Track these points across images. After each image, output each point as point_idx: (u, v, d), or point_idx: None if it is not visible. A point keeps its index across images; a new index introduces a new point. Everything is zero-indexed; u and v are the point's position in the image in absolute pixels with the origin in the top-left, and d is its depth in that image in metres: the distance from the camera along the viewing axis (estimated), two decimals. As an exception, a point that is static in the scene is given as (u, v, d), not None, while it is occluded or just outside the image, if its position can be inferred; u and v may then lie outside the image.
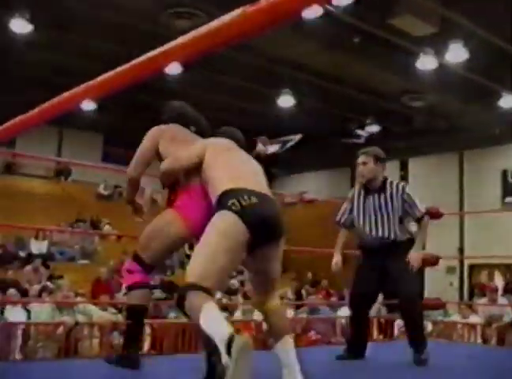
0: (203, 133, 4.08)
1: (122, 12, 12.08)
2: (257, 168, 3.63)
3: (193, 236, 3.57)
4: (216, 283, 2.99)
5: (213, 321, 2.69)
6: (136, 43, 12.98)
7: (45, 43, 13.32)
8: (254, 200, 3.09)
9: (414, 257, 4.72)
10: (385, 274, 4.70)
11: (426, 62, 13.32)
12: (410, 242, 4.84)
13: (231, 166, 3.41)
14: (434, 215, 6.41)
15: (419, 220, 4.86)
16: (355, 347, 4.98)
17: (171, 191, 3.78)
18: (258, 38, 12.48)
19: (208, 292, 2.86)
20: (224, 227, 3.03)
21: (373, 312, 11.88)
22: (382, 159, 4.84)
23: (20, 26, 12.26)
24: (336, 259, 4.94)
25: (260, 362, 3.21)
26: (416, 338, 4.73)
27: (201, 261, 3.00)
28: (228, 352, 2.52)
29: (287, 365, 3.17)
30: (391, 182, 4.84)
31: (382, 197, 4.76)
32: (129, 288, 3.67)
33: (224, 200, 3.11)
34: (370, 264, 4.84)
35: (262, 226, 3.07)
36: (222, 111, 18.34)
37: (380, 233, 4.75)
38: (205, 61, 14.22)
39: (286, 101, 16.55)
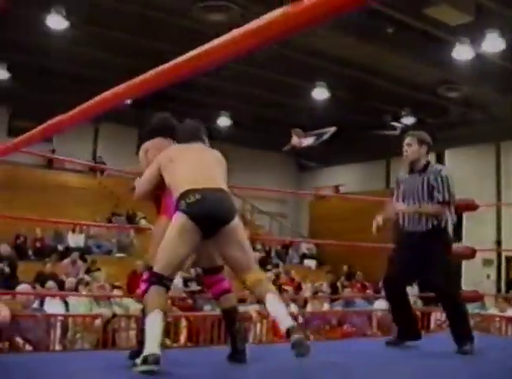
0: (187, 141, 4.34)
1: (154, 7, 12.14)
2: (206, 161, 4.15)
3: None
4: (175, 269, 3.76)
5: (152, 332, 3.49)
6: (168, 37, 13.09)
7: (81, 38, 13.45)
8: (197, 196, 3.72)
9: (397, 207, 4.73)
10: (421, 260, 4.67)
11: (462, 52, 13.15)
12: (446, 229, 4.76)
13: (184, 170, 3.92)
14: (470, 207, 6.39)
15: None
16: (403, 330, 5.01)
17: (156, 201, 4.28)
18: (292, 31, 12.46)
19: (167, 279, 3.66)
20: (176, 225, 3.70)
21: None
22: (426, 142, 4.89)
23: (56, 22, 12.42)
24: (378, 218, 4.89)
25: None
26: (458, 331, 4.71)
27: (164, 255, 3.67)
28: (142, 363, 3.38)
29: (274, 315, 3.63)
30: (433, 165, 4.92)
31: (422, 178, 4.80)
32: (144, 293, 3.92)
33: (177, 203, 3.76)
34: (406, 247, 4.82)
35: (206, 218, 3.70)
36: (257, 105, 18.41)
37: (416, 219, 4.73)
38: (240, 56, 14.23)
39: (320, 93, 16.51)
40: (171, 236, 3.69)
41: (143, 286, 3.98)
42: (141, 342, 3.99)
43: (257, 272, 3.85)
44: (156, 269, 3.66)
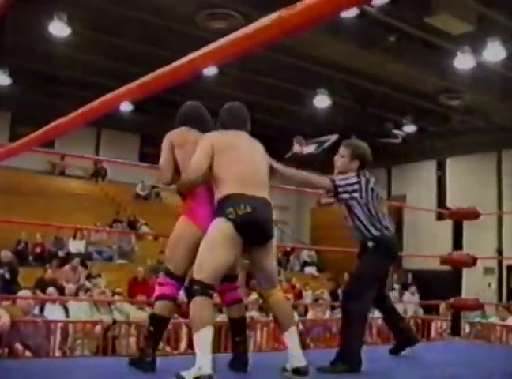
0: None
1: (158, 13, 12.18)
2: (258, 162, 3.94)
3: None
4: (217, 279, 3.54)
5: (204, 350, 3.32)
6: (172, 44, 13.11)
7: (83, 45, 13.49)
8: (248, 209, 3.54)
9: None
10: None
11: (463, 61, 13.16)
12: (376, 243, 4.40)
13: (233, 166, 3.70)
14: (472, 215, 6.38)
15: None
16: (399, 337, 4.94)
17: (182, 198, 4.07)
18: (295, 38, 12.50)
19: (212, 289, 3.49)
20: (221, 234, 3.53)
21: (410, 312, 11.84)
22: (359, 157, 4.47)
23: (58, 29, 12.45)
24: None
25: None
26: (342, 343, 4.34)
27: (211, 264, 3.51)
28: None
29: (292, 350, 3.59)
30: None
31: None
32: (156, 298, 3.90)
33: (224, 205, 3.58)
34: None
35: (254, 232, 3.60)
36: (258, 111, 18.41)
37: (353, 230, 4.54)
38: (242, 62, 14.28)
39: (322, 101, 16.52)
40: (215, 244, 3.53)
41: (159, 289, 3.89)
42: (142, 349, 3.98)
43: (280, 291, 3.85)
44: (200, 278, 3.46)
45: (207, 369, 3.24)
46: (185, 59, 1.59)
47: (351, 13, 11.26)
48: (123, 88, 1.86)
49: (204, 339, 3.36)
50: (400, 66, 13.93)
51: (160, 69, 1.71)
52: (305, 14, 1.29)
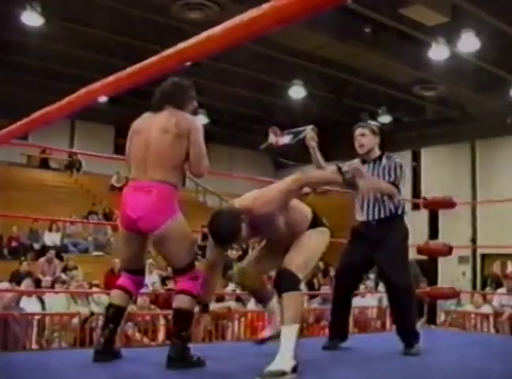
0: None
1: (133, 3, 12.11)
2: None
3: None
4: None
5: (293, 343, 3.41)
6: (148, 34, 13.05)
7: (56, 35, 13.36)
8: None
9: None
10: (376, 249, 4.55)
11: (438, 52, 13.26)
12: (401, 218, 4.71)
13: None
14: (448, 204, 6.43)
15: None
16: (337, 330, 4.84)
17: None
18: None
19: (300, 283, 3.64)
20: (327, 241, 3.94)
21: (385, 302, 11.91)
22: (378, 133, 4.81)
23: (31, 19, 12.31)
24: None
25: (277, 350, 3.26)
26: (407, 329, 4.58)
27: (310, 264, 3.79)
28: (293, 371, 3.35)
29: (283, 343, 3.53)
30: (389, 155, 4.77)
31: (376, 167, 4.69)
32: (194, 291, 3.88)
33: (319, 219, 3.96)
34: (361, 237, 4.71)
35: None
36: (233, 102, 18.41)
37: (372, 207, 4.67)
38: (218, 53, 14.22)
39: (297, 92, 16.55)
40: (321, 248, 3.87)
41: (190, 283, 3.78)
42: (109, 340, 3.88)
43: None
44: (300, 275, 3.59)
45: (295, 360, 3.39)
46: (172, 50, 1.59)
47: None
48: (99, 83, 1.84)
49: (293, 333, 3.45)
50: (376, 57, 14.01)
51: (135, 60, 1.71)
52: (299, 3, 1.28)
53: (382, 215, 4.62)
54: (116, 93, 1.91)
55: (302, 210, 3.93)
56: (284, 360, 3.36)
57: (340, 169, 3.76)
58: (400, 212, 4.67)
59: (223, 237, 3.58)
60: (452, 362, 4.23)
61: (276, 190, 3.71)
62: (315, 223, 3.90)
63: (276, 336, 3.89)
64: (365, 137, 4.72)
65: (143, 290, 8.96)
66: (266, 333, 4.22)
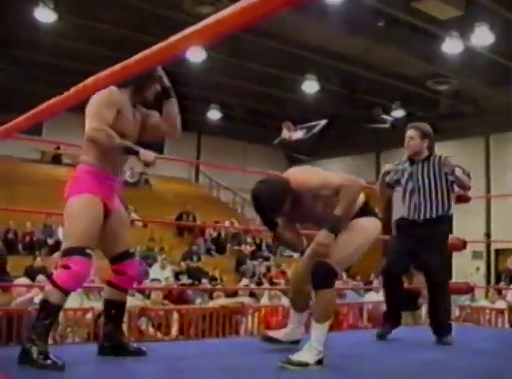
0: None
1: (145, -1, 12.13)
2: None
3: None
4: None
5: (323, 338, 3.45)
6: (160, 30, 13.03)
7: (69, 31, 13.39)
8: None
9: None
10: (422, 246, 4.70)
11: (451, 46, 13.20)
12: (449, 218, 4.88)
13: None
14: (463, 199, 6.37)
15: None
16: (391, 318, 5.02)
17: None
18: (283, 24, 12.45)
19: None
20: (376, 234, 3.80)
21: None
22: (428, 135, 4.92)
23: (44, 15, 12.35)
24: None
25: (290, 345, 3.25)
26: (440, 321, 4.80)
27: (352, 259, 3.68)
28: (317, 363, 3.41)
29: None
30: (435, 155, 4.95)
31: (426, 167, 4.86)
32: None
33: (371, 208, 3.79)
34: (408, 234, 4.85)
35: None
36: (247, 98, 18.41)
37: (422, 205, 4.81)
38: (231, 48, 14.23)
39: (310, 86, 16.52)
40: (367, 240, 3.71)
41: (59, 272, 3.44)
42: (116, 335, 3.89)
43: None
44: (338, 269, 3.55)
45: (323, 353, 3.45)
46: (165, 42, 1.58)
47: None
48: (104, 72, 1.83)
49: (325, 329, 3.48)
50: (389, 51, 13.95)
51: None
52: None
53: (434, 215, 4.80)
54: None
55: None
56: (309, 352, 3.40)
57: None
58: (451, 212, 4.92)
59: (264, 206, 3.48)
60: (465, 358, 4.22)
61: (319, 176, 3.62)
62: (366, 210, 3.72)
63: (283, 343, 3.98)
64: (413, 141, 4.88)
65: (157, 285, 8.99)
66: (278, 335, 4.14)
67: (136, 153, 3.49)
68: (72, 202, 3.57)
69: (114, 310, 3.83)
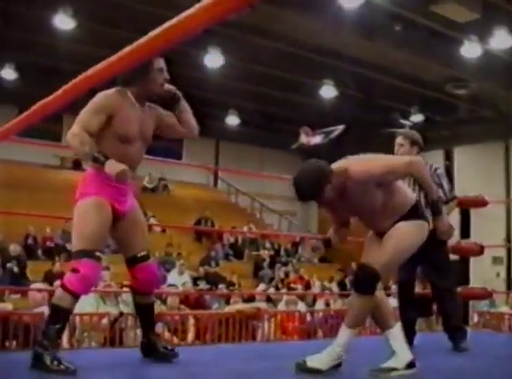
0: None
1: (163, 5, 12.15)
2: None
3: None
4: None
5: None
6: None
7: (87, 38, 13.47)
8: None
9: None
10: (423, 259, 4.65)
11: (470, 49, 13.11)
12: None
13: None
14: (480, 203, 6.35)
15: (446, 203, 4.78)
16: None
17: None
18: (300, 29, 12.46)
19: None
20: (423, 238, 3.53)
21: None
22: (417, 143, 4.93)
23: (63, 22, 12.46)
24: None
25: (306, 351, 3.23)
26: (454, 327, 4.80)
27: (390, 257, 3.44)
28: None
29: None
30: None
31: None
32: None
33: (420, 210, 3.57)
34: None
35: None
36: (264, 103, 18.41)
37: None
38: (248, 53, 14.26)
39: (328, 91, 16.50)
40: (414, 246, 3.52)
41: (68, 276, 3.45)
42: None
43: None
44: (382, 273, 3.41)
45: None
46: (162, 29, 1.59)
47: (355, 2, 11.21)
48: (89, 71, 1.84)
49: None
50: (406, 55, 13.88)
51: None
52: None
53: None
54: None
55: (404, 194, 3.58)
56: (329, 355, 3.41)
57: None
58: None
59: (302, 190, 3.36)
60: (481, 364, 4.17)
61: (383, 162, 3.50)
62: (415, 213, 3.52)
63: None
64: (403, 148, 4.91)
65: (173, 290, 9.01)
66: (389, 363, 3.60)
67: (102, 163, 3.36)
68: (79, 205, 3.55)
69: (139, 313, 3.90)
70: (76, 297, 3.41)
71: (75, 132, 3.41)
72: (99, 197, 3.51)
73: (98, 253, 3.44)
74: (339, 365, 3.41)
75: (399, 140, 4.94)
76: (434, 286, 4.84)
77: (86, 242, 3.43)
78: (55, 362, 3.27)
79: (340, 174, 3.36)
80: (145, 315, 3.91)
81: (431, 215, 3.57)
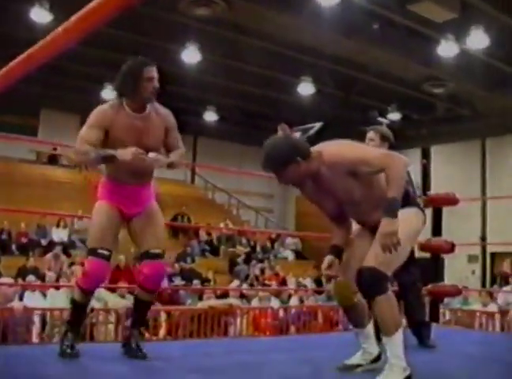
0: None
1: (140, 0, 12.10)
2: None
3: None
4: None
5: (402, 351, 3.05)
6: (155, 31, 13.05)
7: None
8: None
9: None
10: None
11: (447, 49, 13.18)
12: None
13: None
14: (451, 201, 6.36)
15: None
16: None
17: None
18: (278, 26, 12.46)
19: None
20: (420, 227, 3.31)
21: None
22: (388, 139, 4.90)
23: (39, 16, 12.34)
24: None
25: (276, 347, 3.23)
26: (419, 323, 4.87)
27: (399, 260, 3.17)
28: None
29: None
30: None
31: None
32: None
33: (411, 197, 3.35)
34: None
35: None
36: (242, 100, 18.39)
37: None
38: (226, 49, 14.24)
39: (306, 88, 16.51)
40: (411, 236, 3.26)
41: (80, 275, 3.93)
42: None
43: None
44: (387, 271, 3.08)
45: (408, 368, 3.06)
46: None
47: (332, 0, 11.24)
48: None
49: (401, 340, 3.08)
50: (384, 54, 13.92)
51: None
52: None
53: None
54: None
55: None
56: (392, 373, 3.02)
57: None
58: None
59: (268, 156, 3.15)
60: (445, 361, 4.20)
61: (359, 150, 3.22)
62: (406, 200, 3.17)
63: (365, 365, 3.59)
64: (372, 142, 4.84)
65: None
66: (354, 360, 3.64)
67: (113, 157, 3.58)
68: (94, 209, 3.85)
69: (136, 307, 4.02)
70: (84, 292, 3.75)
71: (77, 148, 3.68)
72: (106, 202, 3.80)
73: (103, 251, 3.68)
74: (409, 377, 3.05)
75: (370, 134, 4.90)
76: (398, 281, 4.80)
77: (91, 241, 3.75)
78: (65, 346, 3.73)
79: (314, 158, 3.16)
80: (140, 311, 4.02)
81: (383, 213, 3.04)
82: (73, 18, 1.43)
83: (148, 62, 3.68)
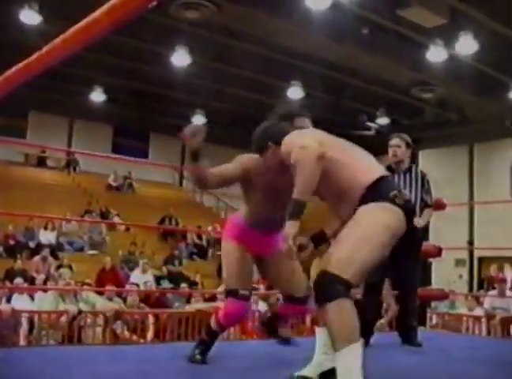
0: None
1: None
2: None
3: None
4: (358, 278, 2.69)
5: (354, 372, 2.51)
6: (145, 33, 13.04)
7: (54, 34, 13.32)
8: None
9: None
10: (396, 258, 4.61)
11: (436, 54, 13.24)
12: (425, 230, 5.08)
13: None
14: (438, 206, 6.39)
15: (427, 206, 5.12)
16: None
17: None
18: (268, 30, 12.48)
19: (350, 287, 2.62)
20: (391, 222, 2.76)
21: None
22: (411, 145, 5.27)
23: (29, 17, 12.31)
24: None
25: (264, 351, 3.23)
26: (411, 324, 4.97)
27: (353, 250, 2.67)
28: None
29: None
30: (416, 167, 5.31)
31: (408, 177, 5.09)
32: None
33: (382, 190, 2.80)
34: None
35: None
36: (231, 103, 18.40)
37: None
38: (215, 53, 14.25)
39: (295, 93, 16.53)
40: (379, 232, 2.73)
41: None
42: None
43: None
44: (344, 274, 2.58)
45: None
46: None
47: (323, 4, 11.26)
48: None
49: (355, 357, 2.54)
50: (374, 59, 13.97)
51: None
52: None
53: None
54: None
55: (352, 174, 2.84)
56: None
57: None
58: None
59: (253, 137, 3.28)
60: (432, 364, 4.23)
61: (292, 143, 2.86)
62: (378, 194, 2.78)
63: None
64: (400, 149, 5.12)
65: (132, 289, 8.97)
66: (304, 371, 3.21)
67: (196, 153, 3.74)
68: (223, 245, 3.92)
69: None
70: (222, 328, 3.92)
71: None
72: (238, 243, 3.79)
73: (244, 292, 3.73)
74: None
75: (396, 141, 5.14)
76: (404, 287, 4.96)
77: (229, 281, 3.79)
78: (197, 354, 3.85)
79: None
80: None
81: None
82: (72, 29, 1.45)
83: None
